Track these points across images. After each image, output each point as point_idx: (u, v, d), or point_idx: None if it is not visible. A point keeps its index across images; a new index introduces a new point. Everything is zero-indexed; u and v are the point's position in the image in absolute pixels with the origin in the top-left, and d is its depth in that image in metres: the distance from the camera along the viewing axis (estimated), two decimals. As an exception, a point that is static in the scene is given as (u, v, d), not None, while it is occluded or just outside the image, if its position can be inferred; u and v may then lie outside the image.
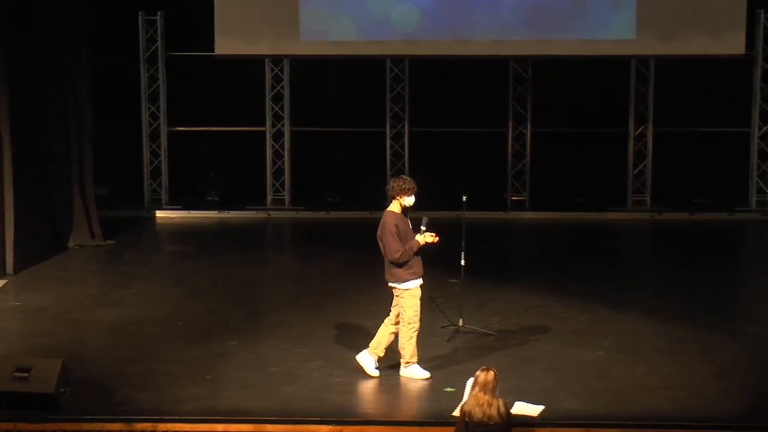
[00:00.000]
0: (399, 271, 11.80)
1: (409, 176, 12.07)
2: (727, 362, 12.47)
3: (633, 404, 11.26)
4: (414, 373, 11.93)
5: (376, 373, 12.01)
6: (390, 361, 12.13)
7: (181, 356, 12.68)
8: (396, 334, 12.03)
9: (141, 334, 13.61)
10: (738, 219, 20.50)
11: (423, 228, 11.81)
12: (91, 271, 17.22)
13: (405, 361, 11.96)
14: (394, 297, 11.97)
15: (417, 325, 11.90)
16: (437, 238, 11.86)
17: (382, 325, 12.11)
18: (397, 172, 21.01)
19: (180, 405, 11.23)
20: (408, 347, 11.91)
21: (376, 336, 12.12)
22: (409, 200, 11.86)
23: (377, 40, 20.43)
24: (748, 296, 16.00)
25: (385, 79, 21.08)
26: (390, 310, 12.09)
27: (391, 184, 11.91)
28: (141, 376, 12.02)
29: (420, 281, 11.89)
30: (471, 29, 20.24)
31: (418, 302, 11.90)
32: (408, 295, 11.83)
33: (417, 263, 11.85)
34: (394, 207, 11.88)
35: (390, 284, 11.93)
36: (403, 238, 11.76)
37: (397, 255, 11.71)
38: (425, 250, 11.93)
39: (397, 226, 11.76)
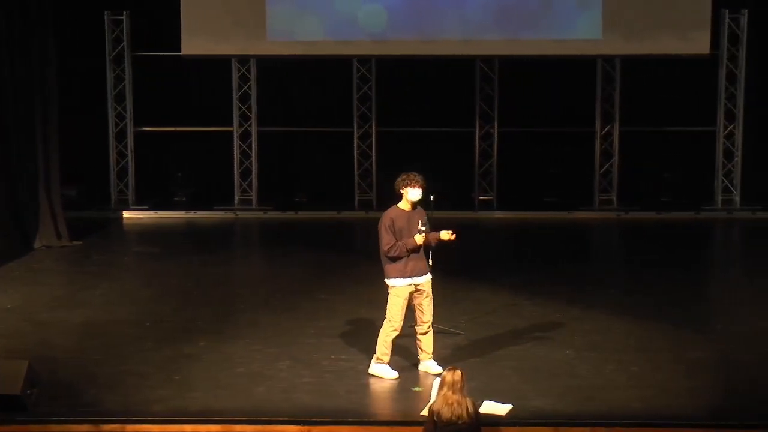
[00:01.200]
0: (387, 267, 11.79)
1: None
2: (695, 360, 12.52)
3: (602, 403, 11.28)
4: (381, 372, 11.91)
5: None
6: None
7: (149, 357, 12.63)
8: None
9: (109, 334, 13.54)
10: (704, 218, 20.62)
11: (422, 228, 11.72)
12: (58, 271, 17.13)
13: (376, 356, 11.95)
14: None
15: (396, 324, 11.83)
16: (453, 236, 11.78)
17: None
18: (365, 172, 21.06)
19: (148, 406, 11.17)
20: (381, 345, 11.89)
21: (377, 342, 12.08)
22: (413, 193, 11.72)
23: (344, 40, 20.44)
24: (715, 294, 16.09)
25: (352, 78, 21.07)
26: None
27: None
28: (109, 377, 11.95)
29: (407, 281, 11.75)
30: (438, 29, 20.27)
31: (401, 302, 11.78)
32: (392, 292, 11.80)
33: (412, 263, 11.74)
34: (401, 202, 11.82)
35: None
36: (399, 233, 11.70)
37: (386, 248, 11.69)
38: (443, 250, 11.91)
39: (393, 220, 11.70)
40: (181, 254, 17.96)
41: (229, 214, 20.91)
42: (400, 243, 11.68)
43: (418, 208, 11.88)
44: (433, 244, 11.89)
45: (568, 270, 16.87)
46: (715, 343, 13.16)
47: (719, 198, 21.04)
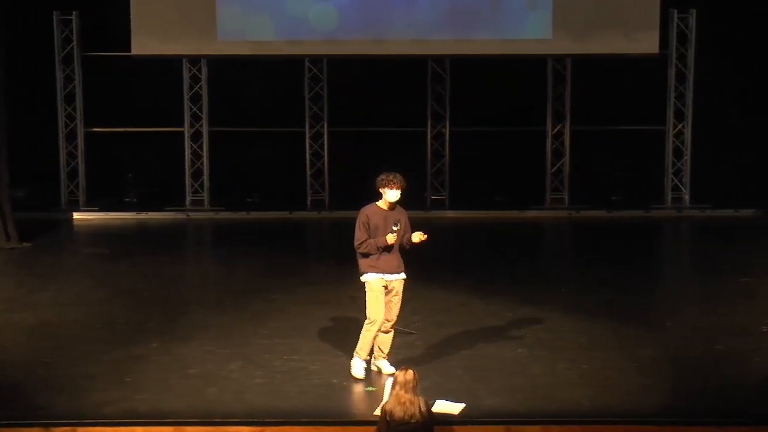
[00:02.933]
0: (361, 262, 11.83)
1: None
2: (645, 358, 12.59)
3: (553, 401, 11.32)
4: (353, 366, 11.95)
5: (361, 374, 11.93)
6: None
7: (100, 359, 12.54)
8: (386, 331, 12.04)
9: (59, 337, 13.43)
10: (654, 216, 20.77)
11: (394, 228, 11.73)
12: (7, 273, 16.99)
13: (356, 350, 11.98)
14: None
15: (375, 320, 11.82)
16: (424, 237, 11.80)
17: None
18: (317, 172, 21.05)
19: (99, 408, 11.10)
20: (360, 339, 11.93)
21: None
22: (390, 194, 11.77)
23: (295, 40, 20.42)
24: (665, 292, 16.18)
25: (303, 78, 21.04)
26: None
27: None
28: (59, 379, 11.86)
29: (380, 276, 11.76)
30: (389, 29, 20.30)
31: (374, 296, 11.78)
32: (367, 288, 11.83)
33: (384, 259, 11.77)
34: (380, 201, 11.86)
35: None
36: (374, 231, 11.73)
37: (356, 243, 11.76)
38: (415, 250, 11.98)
39: (369, 217, 11.76)
40: (133, 255, 17.86)
41: (181, 215, 20.83)
42: (371, 240, 11.73)
43: (398, 208, 11.91)
44: (407, 246, 11.92)
45: (520, 269, 16.93)
46: (665, 341, 13.24)
47: (669, 196, 21.20)
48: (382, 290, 11.83)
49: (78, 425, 10.71)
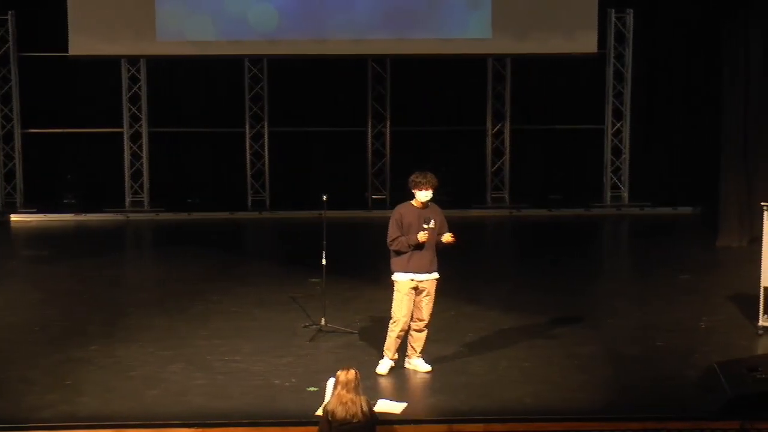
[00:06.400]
0: (392, 261, 11.93)
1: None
2: (586, 355, 12.67)
3: (495, 399, 11.37)
4: (379, 364, 12.03)
5: (384, 370, 11.99)
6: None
7: (38, 362, 12.42)
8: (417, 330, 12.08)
9: (-4, 340, 13.31)
10: (594, 214, 20.90)
11: (425, 226, 11.75)
12: (-57, 277, 16.81)
13: (384, 348, 12.05)
14: None
15: (398, 319, 11.90)
16: (452, 239, 11.86)
17: None
18: (257, 173, 20.97)
19: (38, 412, 11.00)
20: (387, 338, 12.02)
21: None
22: (421, 195, 11.82)
23: (235, 40, 20.33)
24: (605, 290, 16.29)
25: (244, 79, 20.97)
26: None
27: None
28: (-3, 383, 11.76)
29: (408, 276, 11.82)
30: (329, 29, 20.27)
31: (401, 297, 11.86)
32: (395, 287, 11.92)
33: (416, 258, 11.81)
34: (414, 200, 11.91)
35: None
36: (407, 229, 11.76)
37: (389, 240, 11.83)
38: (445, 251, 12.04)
39: (402, 215, 11.82)
40: (71, 257, 17.71)
41: (121, 216, 20.68)
42: (403, 237, 11.77)
43: (433, 206, 11.96)
44: (439, 246, 11.95)
45: (461, 267, 16.93)
46: (605, 338, 13.33)
47: (608, 195, 21.34)
48: (410, 292, 11.88)
49: (16, 429, 10.60)
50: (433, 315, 12.09)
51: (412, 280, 11.86)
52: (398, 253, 11.86)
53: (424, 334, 12.09)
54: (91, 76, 20.95)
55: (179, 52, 20.41)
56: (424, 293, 11.96)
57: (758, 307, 13.38)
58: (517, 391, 11.55)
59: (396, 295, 11.94)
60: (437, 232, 11.87)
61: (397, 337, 11.99)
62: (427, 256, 11.88)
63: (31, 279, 16.59)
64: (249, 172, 21.05)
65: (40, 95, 20.85)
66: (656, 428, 10.79)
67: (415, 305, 11.97)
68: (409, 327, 12.03)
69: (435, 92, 21.19)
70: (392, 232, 11.84)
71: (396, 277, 11.93)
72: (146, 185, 21.05)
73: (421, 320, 12.02)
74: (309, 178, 20.70)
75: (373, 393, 11.02)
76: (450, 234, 11.90)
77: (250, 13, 20.22)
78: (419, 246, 11.80)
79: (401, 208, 11.94)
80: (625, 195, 21.31)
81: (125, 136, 21.02)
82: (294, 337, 13.12)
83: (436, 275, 11.99)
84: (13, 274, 17.10)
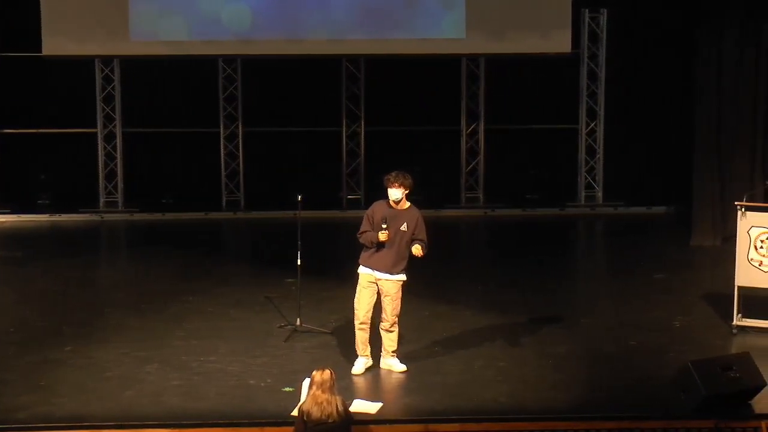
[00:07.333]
0: (361, 254, 12.10)
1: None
2: (561, 354, 12.73)
3: (471, 399, 11.40)
4: (354, 365, 12.13)
5: (357, 370, 12.04)
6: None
7: (13, 363, 12.39)
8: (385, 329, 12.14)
9: (-30, 342, 13.26)
10: (568, 214, 20.94)
11: (383, 226, 11.84)
12: None
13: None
14: None
15: (356, 311, 12.10)
16: (419, 253, 11.97)
17: None
18: (232, 173, 20.95)
19: (13, 413, 10.97)
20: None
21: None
22: (391, 193, 11.96)
23: (209, 40, 20.28)
24: (579, 289, 16.35)
25: (218, 78, 20.94)
26: None
27: None
28: (-29, 385, 11.72)
29: (367, 270, 11.99)
30: (303, 29, 20.25)
31: (360, 290, 12.04)
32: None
33: (377, 256, 11.93)
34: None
35: None
36: (376, 226, 11.88)
37: (358, 233, 12.06)
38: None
39: (374, 211, 12.00)
40: (45, 258, 17.65)
41: (95, 217, 20.61)
42: (369, 233, 11.93)
43: (411, 209, 12.05)
44: (412, 253, 12.00)
45: (435, 267, 16.93)
46: (580, 337, 13.39)
47: (582, 194, 21.39)
48: (368, 285, 12.00)
49: (-9, 431, 10.59)
50: (399, 316, 12.10)
51: (370, 275, 11.97)
52: (365, 247, 12.00)
53: (393, 334, 12.12)
54: (65, 76, 20.85)
55: (153, 52, 20.35)
56: (384, 293, 12.02)
57: (732, 307, 13.46)
58: (492, 391, 11.58)
59: (357, 288, 12.10)
60: (411, 237, 11.89)
61: (359, 329, 12.05)
62: (390, 256, 11.94)
63: (5, 280, 16.51)
64: (223, 173, 21.01)
65: (13, 95, 20.75)
66: (631, 427, 10.84)
67: (382, 305, 12.04)
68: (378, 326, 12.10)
69: (409, 92, 21.18)
70: (362, 226, 12.05)
71: (359, 269, 12.11)
72: (120, 186, 20.98)
73: (385, 320, 12.07)
74: (283, 178, 20.66)
75: (349, 393, 11.04)
76: (419, 247, 11.90)
77: (223, 13, 20.17)
78: (381, 244, 11.86)
79: (375, 205, 12.10)
80: (600, 195, 21.36)
81: (99, 137, 20.95)
82: (269, 338, 13.13)
83: (399, 277, 12.03)
84: (-13, 275, 17.05)
